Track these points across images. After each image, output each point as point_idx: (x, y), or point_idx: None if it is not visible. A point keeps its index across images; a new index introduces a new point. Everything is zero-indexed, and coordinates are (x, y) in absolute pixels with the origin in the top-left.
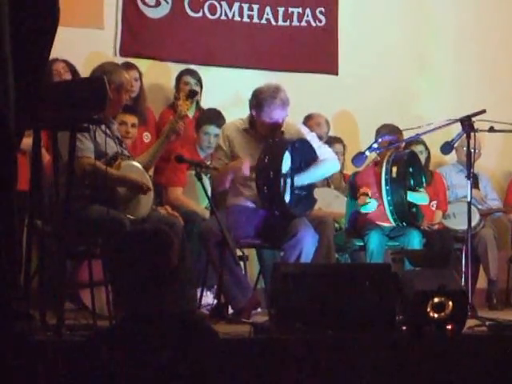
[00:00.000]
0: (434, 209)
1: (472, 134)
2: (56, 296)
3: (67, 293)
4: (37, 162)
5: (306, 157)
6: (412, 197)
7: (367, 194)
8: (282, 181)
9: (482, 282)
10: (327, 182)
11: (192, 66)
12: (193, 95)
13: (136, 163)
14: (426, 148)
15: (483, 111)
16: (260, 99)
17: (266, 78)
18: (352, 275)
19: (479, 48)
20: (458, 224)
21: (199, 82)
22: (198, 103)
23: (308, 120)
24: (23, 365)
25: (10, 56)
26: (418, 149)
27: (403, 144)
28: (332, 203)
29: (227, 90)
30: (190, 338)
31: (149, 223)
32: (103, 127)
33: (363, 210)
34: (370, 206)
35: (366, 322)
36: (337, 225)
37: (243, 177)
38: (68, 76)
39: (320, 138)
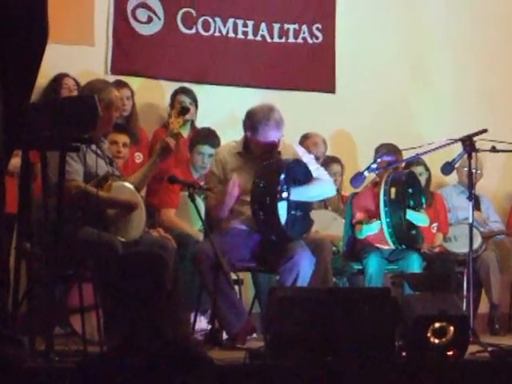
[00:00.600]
0: (434, 231)
1: (473, 154)
2: (45, 321)
3: (57, 318)
4: (25, 183)
5: (301, 178)
6: (411, 215)
7: (362, 223)
8: (277, 203)
9: (484, 307)
10: (324, 204)
11: (186, 84)
12: (185, 112)
13: (127, 184)
14: (427, 169)
15: (485, 130)
16: (254, 120)
17: (262, 96)
18: (350, 299)
19: (481, 65)
20: (459, 247)
21: (194, 101)
22: (192, 123)
23: (305, 140)
24: None
25: None
26: (418, 170)
27: (403, 164)
28: (329, 225)
29: (222, 108)
30: (184, 365)
31: (141, 246)
32: (93, 147)
33: (359, 237)
34: (367, 230)
35: (365, 348)
36: (334, 248)
37: (233, 196)
38: (75, 93)
39: (317, 158)
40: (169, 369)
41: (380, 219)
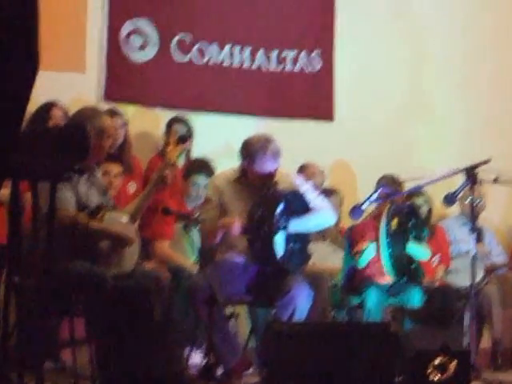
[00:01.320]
0: (435, 265)
1: (476, 185)
2: (35, 355)
3: (47, 352)
4: (15, 214)
5: (299, 209)
6: (412, 249)
7: (360, 252)
8: (273, 235)
9: (486, 342)
10: (322, 236)
11: (181, 112)
12: (183, 141)
13: (121, 214)
14: (428, 200)
15: (487, 161)
16: (250, 151)
17: (258, 125)
18: (349, 334)
19: (485, 94)
20: (461, 280)
21: (190, 130)
22: (188, 152)
23: (302, 170)
24: None
25: None
26: (420, 201)
27: (404, 196)
28: (328, 258)
29: (217, 137)
30: None
31: (134, 278)
32: (85, 176)
33: (361, 265)
34: (366, 256)
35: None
36: (333, 281)
37: (233, 236)
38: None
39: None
40: None
41: (374, 241)
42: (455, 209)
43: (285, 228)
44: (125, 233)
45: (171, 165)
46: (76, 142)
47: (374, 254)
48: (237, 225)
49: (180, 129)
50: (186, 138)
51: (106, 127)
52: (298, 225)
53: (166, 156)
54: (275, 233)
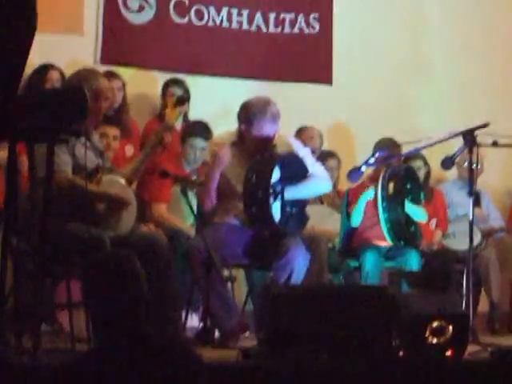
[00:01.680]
0: (433, 228)
1: (474, 148)
2: (32, 317)
3: (44, 314)
4: (12, 176)
5: (296, 173)
6: (410, 209)
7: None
8: (271, 198)
9: (483, 306)
10: (320, 199)
11: (178, 75)
12: (182, 102)
13: (118, 177)
14: (426, 163)
15: (486, 124)
16: (249, 114)
17: (256, 88)
18: (346, 297)
19: (483, 57)
20: (459, 244)
21: (187, 92)
22: (185, 115)
23: (300, 133)
24: None
25: None
26: (417, 164)
27: (401, 159)
28: (325, 221)
29: (214, 100)
30: (174, 364)
31: (131, 241)
32: (83, 139)
33: (355, 221)
34: (363, 198)
35: (361, 347)
36: (330, 244)
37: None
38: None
39: (313, 152)
40: (158, 369)
41: (374, 188)
42: (453, 172)
43: (281, 193)
44: (122, 195)
45: (169, 127)
46: (74, 104)
47: (370, 197)
48: (226, 148)
49: (177, 91)
50: (183, 100)
51: (103, 89)
52: (293, 192)
53: (164, 118)
54: (272, 197)
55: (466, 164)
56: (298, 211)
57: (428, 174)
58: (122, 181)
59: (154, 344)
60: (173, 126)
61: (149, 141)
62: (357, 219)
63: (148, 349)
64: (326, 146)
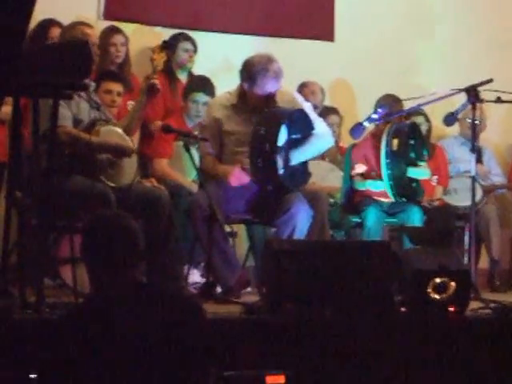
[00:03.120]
0: (434, 184)
1: (477, 104)
2: (35, 272)
3: (47, 269)
4: (16, 131)
5: (302, 129)
6: (412, 173)
7: (362, 175)
8: (277, 154)
9: (483, 262)
10: (322, 155)
11: (180, 31)
12: (167, 46)
13: (116, 127)
14: (427, 120)
15: (490, 80)
16: (252, 71)
17: (258, 44)
18: (348, 253)
19: (486, 13)
20: (460, 200)
21: (195, 48)
22: (189, 70)
23: (302, 88)
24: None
25: None
26: (419, 120)
27: (404, 115)
28: (327, 177)
29: (216, 56)
30: (177, 317)
31: (133, 195)
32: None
33: (360, 188)
34: (371, 185)
35: (363, 303)
36: (332, 200)
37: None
38: None
39: (315, 107)
40: (161, 322)
41: (383, 180)
42: (454, 128)
43: (288, 148)
44: (123, 143)
45: (156, 71)
46: (78, 60)
47: (379, 189)
48: (236, 174)
49: (188, 47)
50: (170, 44)
51: (89, 37)
52: (299, 156)
53: (153, 62)
54: (278, 151)
55: (468, 120)
56: (300, 168)
57: (429, 131)
58: (120, 130)
59: (153, 293)
60: (161, 70)
61: (141, 88)
62: (362, 187)
63: (149, 297)
64: (327, 103)
